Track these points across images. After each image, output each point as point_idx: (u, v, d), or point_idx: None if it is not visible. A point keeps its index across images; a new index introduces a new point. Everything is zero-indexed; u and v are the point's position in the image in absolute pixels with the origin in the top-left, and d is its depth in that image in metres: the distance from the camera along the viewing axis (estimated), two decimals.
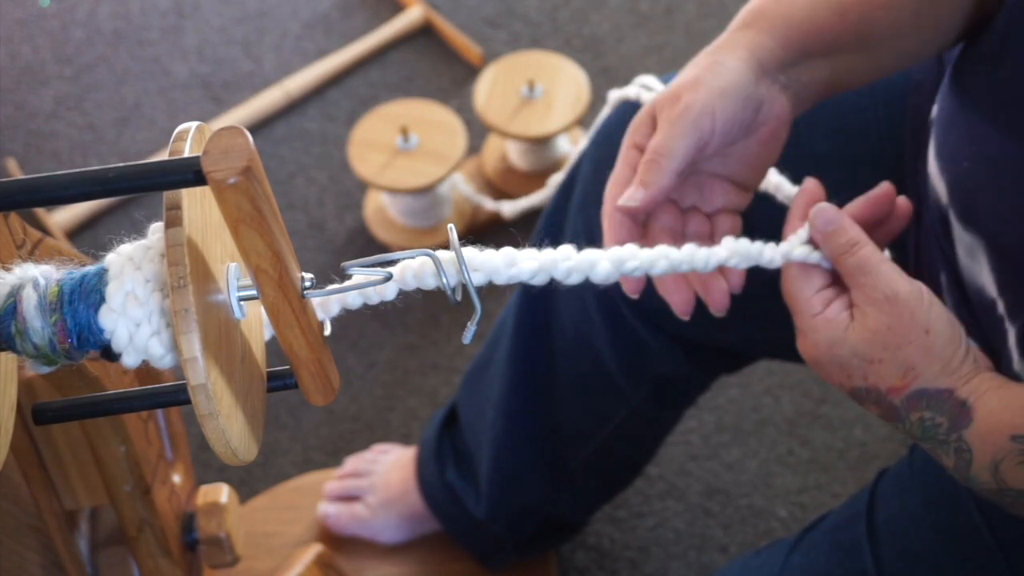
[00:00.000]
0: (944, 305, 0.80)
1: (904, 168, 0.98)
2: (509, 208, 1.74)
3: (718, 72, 0.82)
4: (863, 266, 0.79)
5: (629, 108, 1.10)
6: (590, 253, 0.75)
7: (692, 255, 0.79)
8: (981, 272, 0.85)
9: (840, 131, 1.01)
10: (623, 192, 0.82)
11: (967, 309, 0.88)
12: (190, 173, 0.57)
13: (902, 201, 0.85)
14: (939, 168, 0.87)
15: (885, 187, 0.85)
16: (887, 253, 0.84)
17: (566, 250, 0.74)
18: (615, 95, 1.10)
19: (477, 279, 0.69)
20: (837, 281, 0.82)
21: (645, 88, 1.06)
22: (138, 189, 0.58)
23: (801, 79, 0.86)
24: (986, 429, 0.77)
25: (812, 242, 0.82)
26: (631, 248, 0.77)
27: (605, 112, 1.12)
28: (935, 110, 0.90)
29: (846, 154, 1.01)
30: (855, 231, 0.80)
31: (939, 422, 0.79)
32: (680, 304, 0.86)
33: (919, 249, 0.96)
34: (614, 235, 0.83)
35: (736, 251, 0.81)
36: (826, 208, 0.81)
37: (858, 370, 0.79)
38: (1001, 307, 0.84)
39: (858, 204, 0.84)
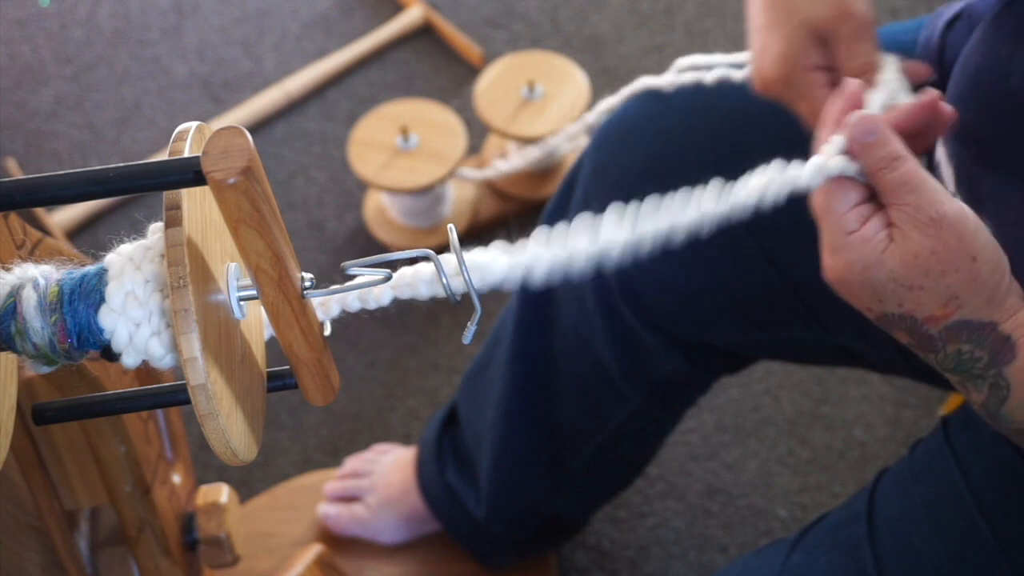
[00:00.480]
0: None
1: None
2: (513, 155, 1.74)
3: None
4: (906, 183, 0.72)
5: (629, 110, 1.10)
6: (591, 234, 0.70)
7: (733, 203, 0.73)
8: None
9: None
10: (833, 106, 0.81)
11: None
12: (190, 173, 0.57)
13: (947, 107, 0.79)
14: (947, 155, 0.87)
15: (932, 94, 0.78)
16: None
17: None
18: (610, 101, 1.11)
19: (477, 280, 0.69)
20: (873, 196, 0.75)
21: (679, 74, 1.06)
22: (138, 189, 0.58)
23: None
24: None
25: (848, 152, 0.74)
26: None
27: (608, 101, 1.13)
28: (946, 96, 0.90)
29: None
30: (897, 144, 0.73)
31: (978, 356, 0.74)
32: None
33: None
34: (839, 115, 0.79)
35: (771, 180, 0.73)
36: (867, 116, 0.74)
37: (893, 296, 0.73)
38: None
39: (902, 112, 0.78)
